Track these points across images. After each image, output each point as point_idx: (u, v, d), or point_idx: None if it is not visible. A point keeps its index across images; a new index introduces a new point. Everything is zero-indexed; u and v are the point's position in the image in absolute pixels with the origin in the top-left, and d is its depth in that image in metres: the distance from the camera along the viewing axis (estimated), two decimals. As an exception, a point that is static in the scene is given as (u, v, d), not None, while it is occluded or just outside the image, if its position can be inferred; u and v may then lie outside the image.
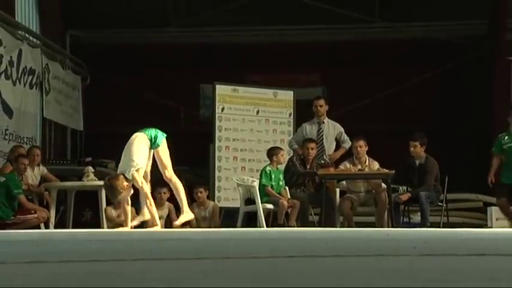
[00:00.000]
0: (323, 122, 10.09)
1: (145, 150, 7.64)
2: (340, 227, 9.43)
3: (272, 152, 9.61)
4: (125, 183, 7.44)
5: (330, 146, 10.07)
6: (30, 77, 11.06)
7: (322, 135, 10.06)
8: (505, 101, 13.04)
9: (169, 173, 7.75)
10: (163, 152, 7.74)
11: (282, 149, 9.77)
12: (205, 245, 3.52)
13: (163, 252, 3.01)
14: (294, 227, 9.00)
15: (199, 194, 9.79)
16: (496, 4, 12.69)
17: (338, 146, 10.15)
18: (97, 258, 2.60)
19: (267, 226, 9.28)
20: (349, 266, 1.98)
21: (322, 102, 10.11)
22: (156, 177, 11.80)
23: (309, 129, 10.10)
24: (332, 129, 10.09)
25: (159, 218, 9.67)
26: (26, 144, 10.54)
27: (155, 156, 7.73)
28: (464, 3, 12.96)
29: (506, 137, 9.57)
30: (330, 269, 1.90)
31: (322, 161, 9.91)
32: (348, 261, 2.10)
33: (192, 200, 10.20)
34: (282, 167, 9.74)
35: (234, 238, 4.26)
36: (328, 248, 2.80)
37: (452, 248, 2.75)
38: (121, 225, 9.39)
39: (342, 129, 10.08)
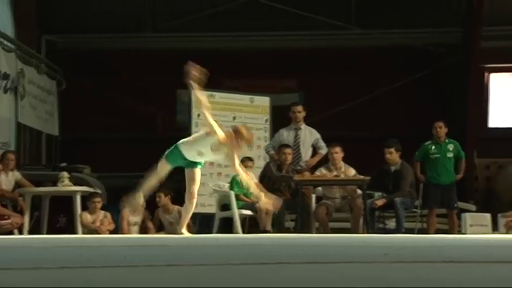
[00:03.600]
0: (300, 128, 10.13)
1: None
2: (316, 233, 9.46)
3: (243, 162, 9.63)
4: None
5: (306, 152, 10.11)
6: (5, 82, 10.97)
7: (299, 141, 10.09)
8: (479, 107, 13.21)
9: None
10: None
11: (252, 159, 9.75)
12: (179, 252, 3.52)
13: (137, 258, 3.00)
14: (269, 232, 9.01)
15: (157, 198, 9.74)
16: (470, 13, 12.85)
17: (315, 152, 10.20)
18: (71, 264, 2.59)
19: (243, 232, 9.29)
20: (322, 273, 2.00)
21: (300, 108, 10.15)
22: (133, 182, 11.76)
23: (286, 135, 10.13)
24: (309, 135, 10.13)
25: (134, 225, 9.66)
26: (0, 149, 10.44)
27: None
28: (439, 11, 13.12)
29: (433, 147, 9.90)
30: (303, 276, 1.91)
31: (299, 167, 9.94)
32: (320, 268, 2.11)
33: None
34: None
35: (209, 244, 4.26)
36: (301, 255, 2.81)
37: (425, 255, 2.78)
38: (96, 231, 9.36)
39: (319, 136, 10.13)
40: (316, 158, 10.11)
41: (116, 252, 3.66)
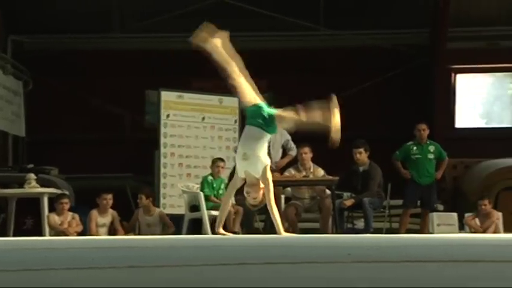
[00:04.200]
0: (270, 129, 10.14)
1: None
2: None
3: (213, 163, 9.66)
4: None
5: (276, 154, 10.14)
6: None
7: (269, 142, 10.11)
8: (446, 108, 13.37)
9: None
10: None
11: (223, 160, 9.77)
12: (144, 253, 3.52)
13: (104, 260, 3.00)
14: (238, 233, 9.03)
15: (139, 200, 9.74)
16: (436, 14, 12.99)
17: (285, 153, 10.23)
18: (36, 267, 2.58)
19: (213, 233, 9.29)
20: (281, 274, 2.02)
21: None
22: (102, 184, 11.72)
23: (255, 136, 10.13)
24: (279, 136, 10.16)
25: (102, 226, 9.61)
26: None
27: None
28: (407, 12, 13.24)
29: (414, 147, 10.05)
30: (262, 277, 1.93)
31: (269, 168, 9.96)
32: (280, 269, 2.14)
33: (137, 205, 10.15)
34: (224, 175, 9.76)
35: (175, 246, 4.27)
36: (265, 256, 2.83)
37: (387, 255, 2.81)
38: (64, 232, 9.30)
39: (289, 137, 10.17)
40: (286, 160, 10.15)
41: (83, 254, 3.65)
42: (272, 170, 9.86)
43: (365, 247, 3.41)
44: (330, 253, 2.87)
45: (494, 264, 2.52)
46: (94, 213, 9.58)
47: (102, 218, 9.64)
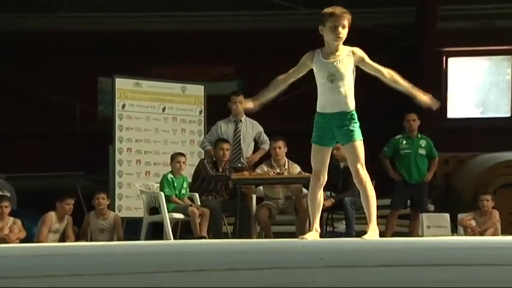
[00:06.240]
0: (240, 121, 10.17)
1: None
2: (257, 238, 9.52)
3: (172, 159, 9.64)
4: None
5: (248, 148, 10.16)
6: None
7: (240, 135, 10.14)
8: (436, 96, 13.45)
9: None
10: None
11: (184, 155, 9.75)
12: (93, 260, 3.51)
13: (41, 269, 2.99)
14: (205, 238, 9.03)
15: (101, 200, 9.69)
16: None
17: (257, 147, 10.25)
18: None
19: (175, 238, 9.29)
20: (248, 279, 2.03)
21: (241, 98, 10.15)
22: (48, 184, 11.66)
23: (225, 128, 10.15)
24: (250, 128, 10.18)
25: (55, 232, 9.56)
26: None
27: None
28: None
29: (404, 142, 10.11)
30: (224, 284, 1.94)
31: (240, 164, 9.99)
32: (248, 275, 2.15)
33: (89, 208, 10.11)
34: (186, 173, 9.76)
35: (132, 252, 4.26)
36: (229, 261, 2.84)
37: (362, 259, 2.84)
38: (4, 239, 9.23)
39: (261, 129, 10.19)
40: (259, 154, 10.17)
41: (23, 263, 3.63)
42: (242, 168, 9.92)
43: (340, 251, 3.43)
44: (304, 258, 2.89)
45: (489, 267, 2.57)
46: (51, 216, 9.50)
47: (58, 224, 9.59)
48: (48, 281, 2.30)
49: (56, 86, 13.22)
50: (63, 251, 5.28)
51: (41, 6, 13.12)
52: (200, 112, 11.39)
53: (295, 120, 13.03)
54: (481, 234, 9.84)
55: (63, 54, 13.17)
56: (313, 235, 6.50)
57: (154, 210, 9.49)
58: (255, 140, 10.25)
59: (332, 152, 9.70)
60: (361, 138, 6.45)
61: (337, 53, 6.46)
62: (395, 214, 10.19)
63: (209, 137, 10.25)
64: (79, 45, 13.23)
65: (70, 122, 13.43)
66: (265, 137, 10.12)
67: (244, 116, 10.20)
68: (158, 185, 9.66)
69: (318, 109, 6.50)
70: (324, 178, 6.58)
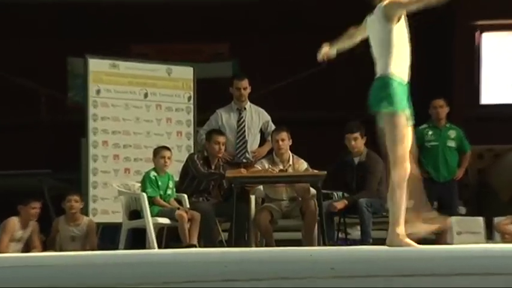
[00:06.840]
0: (244, 109, 10.24)
1: None
2: (257, 246, 9.59)
3: (155, 154, 9.69)
4: None
5: (253, 140, 10.24)
6: None
7: (244, 125, 10.21)
8: (468, 79, 13.50)
9: None
10: None
11: (169, 149, 9.80)
12: (63, 273, 3.58)
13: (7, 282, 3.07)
14: (195, 247, 9.10)
15: (73, 203, 9.76)
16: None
17: (263, 139, 10.28)
18: None
19: (160, 247, 9.36)
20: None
21: (246, 83, 10.21)
22: (27, 186, 11.66)
23: (226, 117, 10.22)
24: (256, 117, 10.25)
25: (18, 240, 9.63)
26: None
27: None
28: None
29: (430, 132, 10.17)
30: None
31: (245, 160, 10.06)
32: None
33: (58, 212, 10.17)
34: (173, 171, 9.81)
35: (110, 263, 4.32)
36: (224, 272, 2.90)
37: (377, 269, 2.89)
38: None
39: (269, 118, 10.27)
40: (266, 147, 10.23)
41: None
42: (247, 164, 9.95)
43: (351, 261, 3.49)
44: (312, 268, 2.93)
45: None
46: (13, 222, 9.57)
47: (22, 231, 9.66)
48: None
49: (17, 69, 13.25)
50: (28, 262, 5.36)
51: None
52: (189, 98, 11.44)
53: (299, 107, 13.08)
54: None
55: (24, 30, 13.20)
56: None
57: (135, 214, 9.55)
58: (261, 130, 10.31)
59: (346, 144, 9.84)
60: None
61: None
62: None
63: (207, 128, 10.30)
64: (44, 19, 13.27)
65: (34, 110, 13.46)
66: (273, 127, 10.17)
67: (248, 103, 10.26)
68: (139, 184, 9.73)
69: (398, 75, 6.68)
70: None
